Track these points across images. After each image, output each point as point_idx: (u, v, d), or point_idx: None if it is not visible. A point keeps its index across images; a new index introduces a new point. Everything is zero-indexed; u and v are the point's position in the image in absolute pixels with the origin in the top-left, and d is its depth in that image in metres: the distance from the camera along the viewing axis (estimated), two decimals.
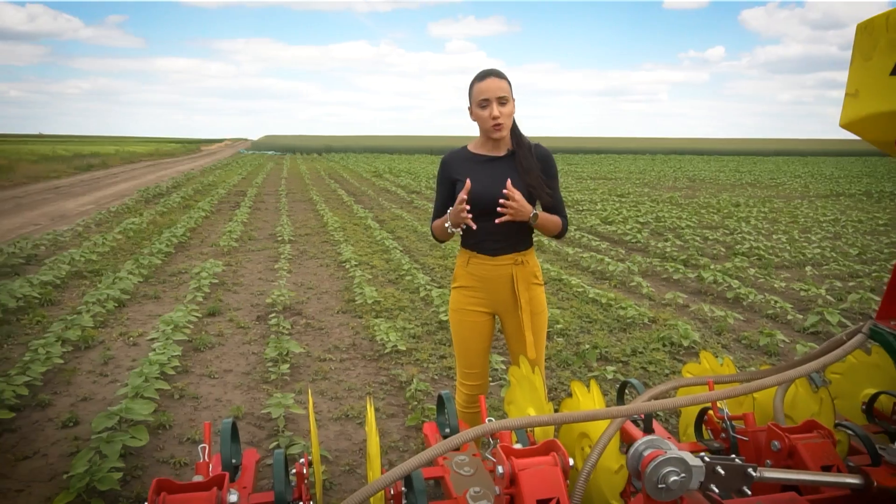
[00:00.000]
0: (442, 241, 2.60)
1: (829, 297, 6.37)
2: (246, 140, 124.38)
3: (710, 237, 10.37)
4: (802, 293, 6.51)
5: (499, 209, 2.27)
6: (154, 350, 4.38)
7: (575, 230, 10.67)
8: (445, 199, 2.52)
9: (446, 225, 2.41)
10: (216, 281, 6.83)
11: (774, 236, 10.58)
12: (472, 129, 2.54)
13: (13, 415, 3.57)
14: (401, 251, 8.49)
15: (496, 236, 2.40)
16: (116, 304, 5.85)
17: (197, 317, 5.43)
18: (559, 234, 2.53)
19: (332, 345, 4.92)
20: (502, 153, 2.45)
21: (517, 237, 2.44)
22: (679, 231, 10.97)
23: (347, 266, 7.59)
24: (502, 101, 2.33)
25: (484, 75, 2.35)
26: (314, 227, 11.22)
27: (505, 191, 2.28)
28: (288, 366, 4.32)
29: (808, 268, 7.91)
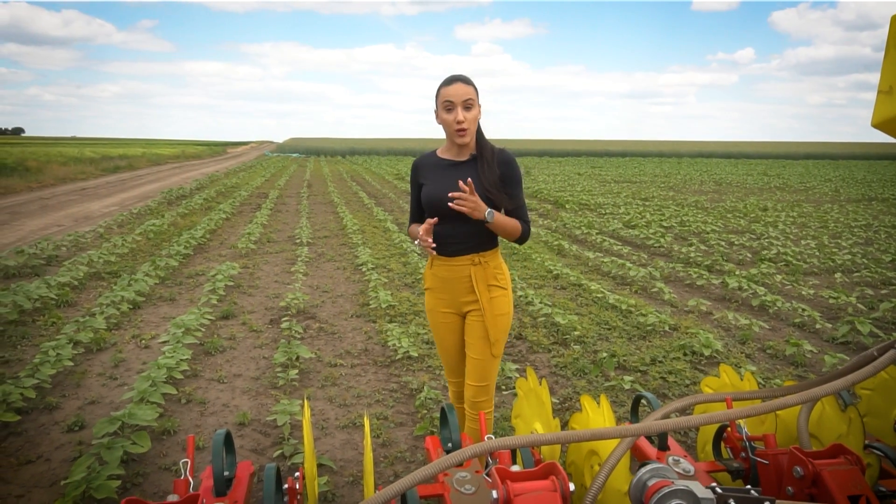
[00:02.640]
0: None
1: (860, 305, 6.14)
2: (271, 142, 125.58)
3: (736, 242, 10.12)
4: (832, 301, 6.29)
5: (453, 203, 2.30)
6: (164, 353, 4.34)
7: (596, 234, 10.48)
8: (416, 201, 2.62)
9: (416, 242, 2.50)
10: (232, 283, 6.80)
11: (803, 242, 10.29)
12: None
13: (18, 418, 3.53)
14: (418, 254, 8.40)
15: (456, 238, 2.47)
16: (131, 306, 5.84)
17: (210, 320, 5.40)
18: (520, 240, 2.53)
19: (343, 350, 4.84)
20: (465, 158, 2.50)
21: (476, 239, 2.48)
22: (704, 235, 10.73)
23: (364, 269, 7.52)
24: (468, 104, 2.38)
25: (451, 80, 2.40)
26: (333, 229, 11.19)
27: (461, 184, 2.30)
28: (297, 371, 4.25)
29: (837, 274, 7.66)
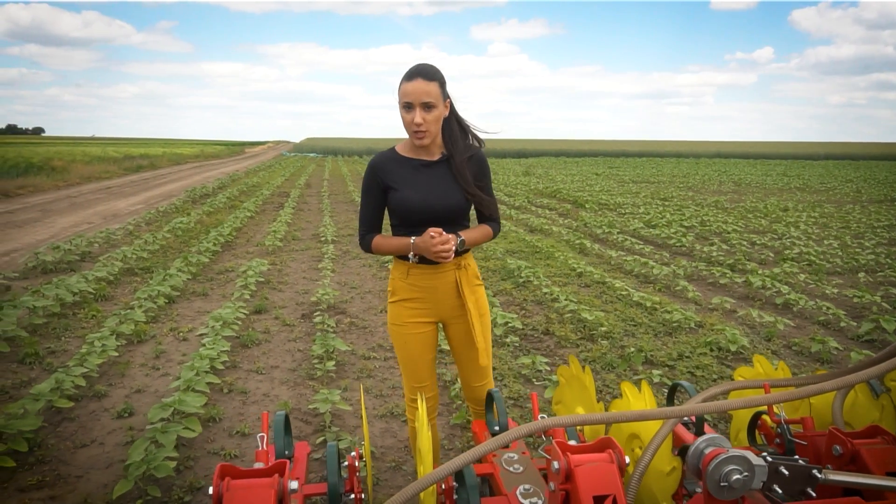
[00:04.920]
0: (375, 254, 2.42)
1: (884, 304, 6.17)
2: (288, 142, 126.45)
3: (758, 242, 10.14)
4: (856, 300, 6.32)
5: (438, 257, 2.17)
6: (204, 345, 4.50)
7: (618, 233, 10.54)
8: (377, 207, 2.35)
9: (410, 256, 2.25)
10: (262, 279, 6.96)
11: (825, 241, 10.28)
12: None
13: (72, 404, 3.70)
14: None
15: None
16: (167, 301, 6.02)
17: (244, 314, 5.55)
18: (491, 239, 2.48)
19: (376, 343, 4.97)
20: (436, 157, 2.31)
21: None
22: (725, 235, 10.75)
23: (390, 266, 7.64)
24: (427, 106, 2.15)
25: (411, 75, 2.16)
26: (356, 227, 11.33)
27: (431, 232, 2.16)
28: (333, 363, 4.38)
29: (861, 274, 7.67)
